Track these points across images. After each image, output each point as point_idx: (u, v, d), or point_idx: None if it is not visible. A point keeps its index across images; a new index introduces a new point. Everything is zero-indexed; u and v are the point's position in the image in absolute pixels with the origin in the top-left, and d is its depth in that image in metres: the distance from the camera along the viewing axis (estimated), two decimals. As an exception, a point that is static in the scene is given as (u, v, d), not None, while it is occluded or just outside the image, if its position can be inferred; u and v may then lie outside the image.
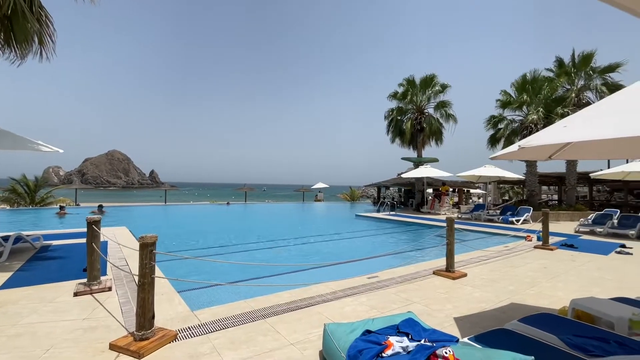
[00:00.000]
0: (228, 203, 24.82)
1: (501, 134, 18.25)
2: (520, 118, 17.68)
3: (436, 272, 5.53)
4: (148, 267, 2.94)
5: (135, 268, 4.11)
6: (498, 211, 15.51)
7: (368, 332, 2.38)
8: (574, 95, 17.06)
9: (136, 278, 3.57)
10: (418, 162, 20.72)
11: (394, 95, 22.23)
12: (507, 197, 32.33)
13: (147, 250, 2.94)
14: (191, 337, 3.12)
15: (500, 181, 22.79)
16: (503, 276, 5.54)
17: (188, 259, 6.95)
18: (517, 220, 13.52)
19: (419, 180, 20.43)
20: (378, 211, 20.00)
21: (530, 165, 17.18)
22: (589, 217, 12.34)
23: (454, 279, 5.26)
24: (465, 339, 2.50)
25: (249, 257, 7.91)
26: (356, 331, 2.50)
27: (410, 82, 21.30)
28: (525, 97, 17.32)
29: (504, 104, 18.25)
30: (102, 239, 4.74)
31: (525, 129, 16.54)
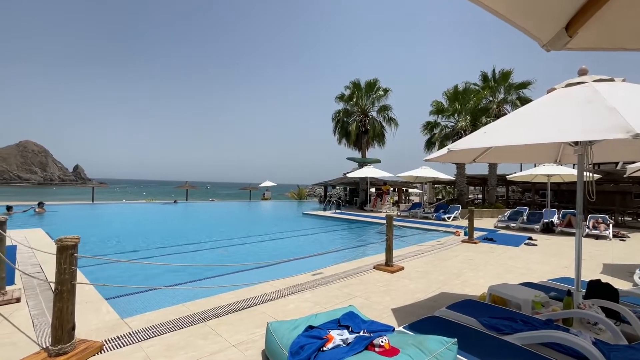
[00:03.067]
0: (175, 201, 23.21)
1: (436, 138, 19.88)
2: (452, 124, 19.46)
3: (376, 267, 5.83)
4: (68, 273, 2.62)
5: (52, 275, 3.63)
6: (432, 209, 16.87)
7: (310, 327, 2.43)
8: (495, 106, 19.29)
9: (53, 286, 3.16)
10: (362, 163, 21.58)
11: (341, 98, 22.87)
12: (440, 196, 35.26)
13: (66, 253, 2.62)
14: (120, 346, 2.86)
15: (434, 181, 24.82)
16: (435, 268, 6.05)
17: (118, 262, 6.34)
18: (448, 217, 14.86)
19: (363, 179, 21.30)
20: (324, 209, 20.38)
21: (460, 167, 19.04)
22: (505, 214, 14.06)
23: (392, 272, 5.60)
24: (401, 328, 2.69)
25: (189, 259, 7.49)
26: (299, 327, 2.53)
27: (356, 85, 22.10)
28: (456, 105, 19.13)
29: (438, 111, 19.95)
30: (9, 243, 4.09)
31: (456, 135, 18.27)
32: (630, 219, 15.63)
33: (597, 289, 3.41)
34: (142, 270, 6.16)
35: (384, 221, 6.08)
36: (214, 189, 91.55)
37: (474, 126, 18.17)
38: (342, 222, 14.90)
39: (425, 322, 2.77)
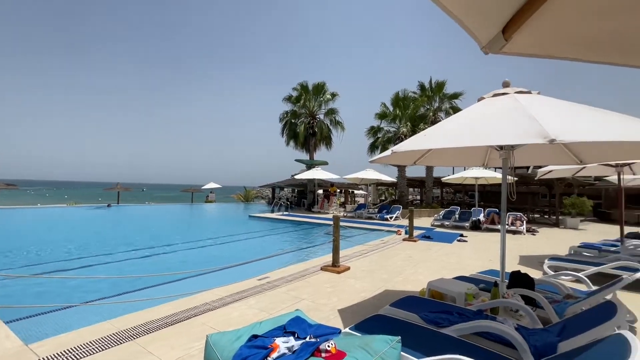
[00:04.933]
0: (109, 205, 20.79)
1: (379, 142, 20.85)
2: (394, 129, 20.60)
3: (324, 268, 5.84)
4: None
5: None
6: (376, 210, 17.61)
7: (255, 337, 2.29)
8: (431, 114, 20.88)
9: None
10: (310, 165, 21.73)
11: (289, 99, 22.77)
12: (383, 197, 37.00)
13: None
14: (23, 379, 2.41)
15: (378, 183, 26.00)
16: (379, 267, 6.27)
17: (20, 277, 5.43)
18: (391, 217, 15.63)
19: (311, 181, 21.43)
20: (272, 211, 20.05)
21: (401, 170, 20.21)
22: (440, 213, 15.24)
23: (339, 273, 5.66)
24: (347, 329, 2.68)
25: (117, 270, 6.73)
26: (242, 337, 2.37)
27: (304, 87, 22.19)
28: (397, 111, 20.31)
29: (381, 116, 20.99)
30: None
31: (398, 139, 19.35)
32: (539, 216, 18.05)
33: (518, 279, 3.81)
34: (57, 285, 5.36)
35: (331, 222, 6.12)
36: (152, 191, 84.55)
37: (414, 132, 19.44)
38: (290, 224, 14.78)
39: (371, 321, 2.80)
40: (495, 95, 3.10)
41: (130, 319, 3.52)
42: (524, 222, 12.38)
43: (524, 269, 4.57)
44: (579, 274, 4.90)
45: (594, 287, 4.15)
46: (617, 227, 7.41)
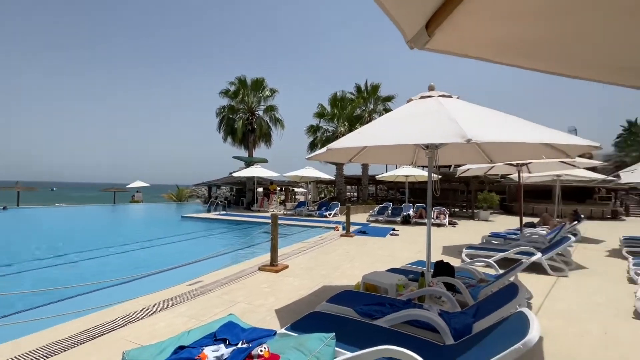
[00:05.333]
0: (5, 207, 17.33)
1: (318, 140, 21.21)
2: (333, 128, 21.12)
3: (261, 268, 5.70)
4: None
5: None
6: (316, 207, 17.87)
7: (181, 348, 2.09)
8: (367, 115, 21.91)
9: None
10: (249, 162, 21.11)
11: (226, 93, 21.80)
12: (323, 195, 37.78)
13: None
14: None
15: (318, 181, 26.45)
16: (318, 263, 6.34)
17: None
18: (329, 214, 16.01)
19: (250, 179, 20.83)
20: (209, 211, 18.99)
21: (339, 168, 20.84)
22: (375, 209, 16.08)
23: (277, 272, 5.57)
24: (283, 330, 2.62)
25: (13, 284, 5.68)
26: (167, 350, 2.15)
27: (242, 81, 21.44)
28: (336, 111, 20.88)
29: (319, 115, 21.39)
30: None
31: (336, 138, 19.88)
32: (458, 209, 20.23)
33: (441, 268, 4.17)
34: None
35: (270, 221, 5.99)
36: (65, 191, 73.61)
37: (351, 132, 20.21)
38: (228, 224, 14.16)
39: (307, 319, 2.79)
40: (422, 97, 3.33)
41: (28, 341, 2.97)
42: (447, 215, 13.74)
43: (446, 258, 5.03)
44: (489, 260, 5.58)
45: (501, 271, 4.75)
46: (517, 218, 8.64)
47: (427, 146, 3.52)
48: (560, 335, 3.34)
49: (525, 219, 11.13)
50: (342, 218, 12.84)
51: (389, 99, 22.05)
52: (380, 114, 21.99)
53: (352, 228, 10.62)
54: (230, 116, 21.92)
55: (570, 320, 3.77)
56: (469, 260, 6.08)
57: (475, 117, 2.90)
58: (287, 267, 5.89)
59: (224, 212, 17.92)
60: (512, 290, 2.77)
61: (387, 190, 31.72)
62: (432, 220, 13.06)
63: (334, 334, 1.99)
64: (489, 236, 8.65)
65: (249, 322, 2.78)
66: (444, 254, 7.48)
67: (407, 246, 8.49)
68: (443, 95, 3.33)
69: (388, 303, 3.09)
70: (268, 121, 22.26)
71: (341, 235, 9.83)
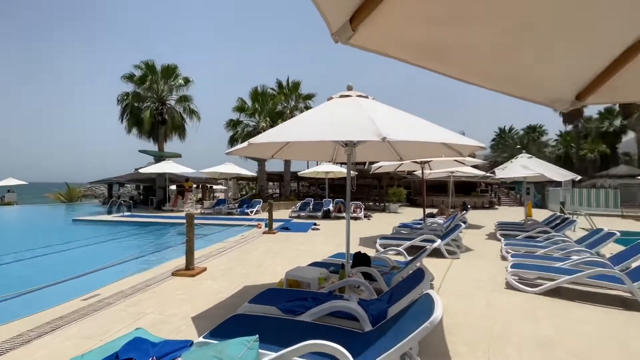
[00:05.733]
0: None
1: (239, 135, 20.42)
2: (254, 124, 20.58)
3: (175, 273, 5.21)
4: None
5: None
6: (237, 205, 17.20)
7: (70, 378, 1.75)
8: (288, 112, 21.97)
9: None
10: (159, 157, 19.10)
11: (130, 78, 19.26)
12: (244, 192, 36.62)
13: None
14: None
15: (239, 178, 25.47)
16: (238, 263, 6.10)
17: None
18: (251, 212, 15.61)
19: (161, 176, 18.85)
20: (109, 212, 16.58)
21: (261, 164, 20.45)
22: (297, 205, 16.28)
23: (193, 276, 5.17)
24: (201, 338, 2.43)
25: None
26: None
27: (149, 66, 19.19)
28: (257, 106, 20.38)
29: (240, 109, 20.62)
30: None
31: (257, 133, 19.43)
32: (372, 203, 21.94)
33: (359, 259, 4.43)
34: None
35: (185, 221, 5.51)
36: None
37: (272, 127, 19.99)
38: (134, 227, 12.57)
39: (228, 324, 2.64)
40: (341, 96, 3.45)
41: None
42: (362, 209, 14.74)
43: (363, 249, 5.37)
44: (399, 248, 6.18)
45: (409, 258, 5.28)
46: (421, 210, 9.78)
47: (346, 143, 3.67)
48: (455, 310, 3.88)
49: (427, 210, 12.69)
50: (265, 215, 12.64)
51: (309, 97, 22.49)
52: (302, 111, 22.29)
53: (275, 225, 10.54)
54: (136, 104, 19.46)
55: (462, 296, 4.42)
56: (382, 250, 6.62)
57: (388, 117, 3.13)
58: (205, 269, 5.51)
59: (129, 214, 15.87)
60: (419, 275, 3.10)
61: (309, 187, 32.46)
62: (350, 214, 13.86)
63: (257, 336, 1.92)
64: (398, 227, 9.57)
65: (161, 335, 2.50)
66: (361, 245, 8.00)
67: (328, 240, 8.81)
68: (360, 96, 3.51)
69: (310, 297, 3.14)
70: (182, 112, 20.46)
71: (264, 233, 9.67)
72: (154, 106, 19.24)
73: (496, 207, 24.06)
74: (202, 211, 16.77)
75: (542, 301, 4.22)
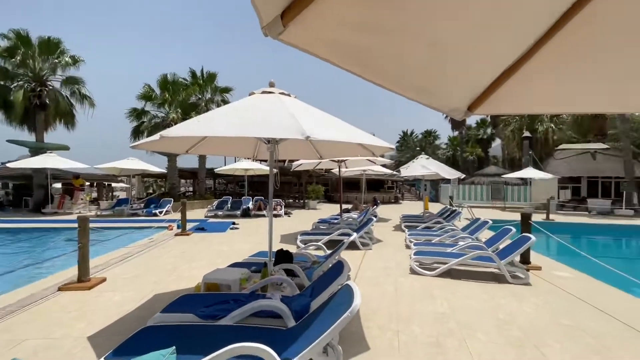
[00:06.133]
0: None
1: (145, 127, 18.26)
2: (163, 115, 18.66)
3: (64, 287, 4.40)
4: None
5: None
6: (142, 204, 15.39)
7: None
8: (203, 104, 20.58)
9: None
10: (37, 149, 15.77)
11: (-9, 48, 15.35)
12: (151, 191, 32.98)
13: None
14: None
15: (144, 174, 22.79)
16: (147, 270, 5.48)
17: None
18: (161, 212, 14.17)
19: (40, 172, 15.55)
20: (-44, 219, 12.90)
21: (171, 160, 18.68)
22: (213, 204, 15.42)
23: (89, 288, 4.45)
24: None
25: None
26: None
27: (22, 37, 15.60)
28: (167, 95, 18.51)
29: (146, 97, 18.48)
30: None
31: (167, 126, 17.66)
32: (292, 200, 22.25)
33: (281, 256, 4.45)
34: None
35: (77, 225, 4.68)
36: None
37: (185, 120, 18.41)
38: (2, 235, 10.12)
39: (137, 338, 2.36)
40: (264, 92, 3.40)
41: None
42: (283, 206, 14.81)
43: (285, 246, 5.41)
44: (319, 243, 6.43)
45: (329, 252, 5.54)
46: (338, 206, 10.33)
47: (269, 140, 3.64)
48: (370, 298, 4.24)
49: (343, 206, 13.47)
50: (177, 216, 11.62)
51: (227, 90, 21.47)
52: (218, 105, 21.12)
53: (189, 225, 9.78)
54: (2, 83, 15.64)
55: (375, 284, 4.85)
56: (303, 246, 6.77)
57: (310, 116, 3.22)
58: (104, 280, 4.80)
59: (-8, 219, 12.69)
60: (338, 268, 3.28)
61: (227, 184, 31.07)
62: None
63: (173, 347, 1.77)
64: (318, 222, 9.92)
65: (47, 363, 2.10)
66: (283, 242, 8.03)
67: (248, 238, 8.59)
68: (283, 93, 3.52)
69: (232, 299, 3.03)
70: (68, 97, 17.22)
71: (176, 235, 8.89)
72: (28, 87, 15.74)
73: (401, 202, 27.01)
74: (99, 213, 14.52)
75: (437, 282, 4.91)
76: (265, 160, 4.08)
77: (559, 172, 19.06)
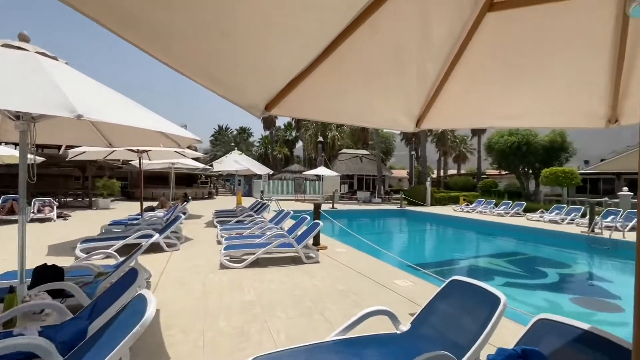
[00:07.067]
0: None
1: None
2: None
3: None
4: None
5: None
6: None
7: None
8: None
9: None
10: None
11: None
12: None
13: None
14: None
15: None
16: None
17: None
18: None
19: None
20: None
21: None
22: None
23: None
24: None
25: None
26: None
27: None
28: None
29: None
30: None
31: None
32: (72, 199, 17.23)
33: (43, 274, 3.32)
34: None
35: None
36: None
37: None
38: None
39: None
40: (6, 45, 2.38)
41: None
42: (55, 207, 11.19)
43: (54, 260, 4.09)
44: (109, 250, 5.27)
45: (122, 259, 4.63)
46: (139, 203, 8.85)
47: (18, 116, 2.59)
48: (174, 300, 3.86)
49: (146, 204, 11.70)
50: None
51: None
52: None
53: None
54: None
55: (181, 284, 4.47)
56: (85, 255, 5.34)
57: (89, 91, 2.53)
58: None
59: None
60: (131, 276, 2.77)
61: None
62: (34, 214, 10.15)
63: None
64: (110, 225, 8.16)
65: None
66: (51, 254, 6.06)
67: (-17, 257, 5.90)
68: (43, 54, 2.60)
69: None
70: None
71: None
72: None
73: (215, 197, 26.42)
74: None
75: (246, 273, 5.10)
76: (17, 144, 2.89)
77: (341, 171, 25.40)
